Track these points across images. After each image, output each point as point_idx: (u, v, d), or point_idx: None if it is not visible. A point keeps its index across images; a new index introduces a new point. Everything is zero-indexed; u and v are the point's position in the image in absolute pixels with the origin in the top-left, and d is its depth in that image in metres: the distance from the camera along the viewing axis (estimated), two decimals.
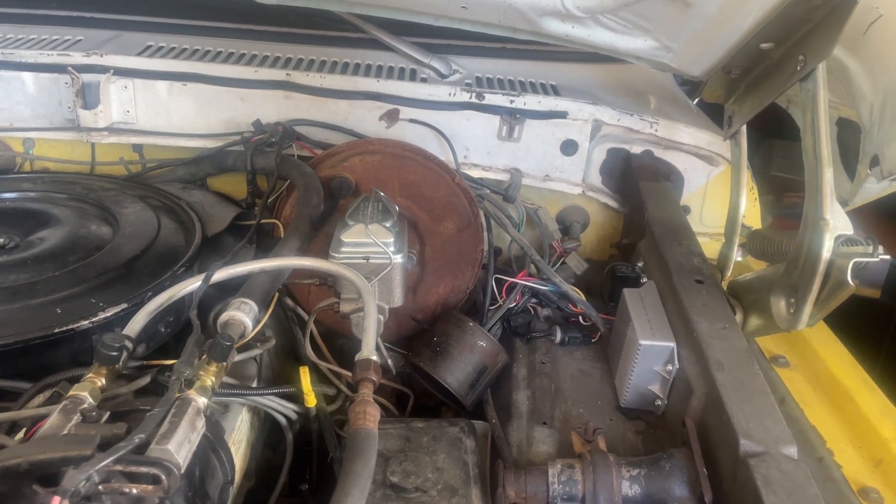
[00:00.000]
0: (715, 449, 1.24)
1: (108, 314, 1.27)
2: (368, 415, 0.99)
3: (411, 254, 1.63)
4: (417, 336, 1.71)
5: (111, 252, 1.44)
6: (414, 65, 1.97)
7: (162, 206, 1.68)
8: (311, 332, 1.61)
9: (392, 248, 1.36)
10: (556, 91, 1.98)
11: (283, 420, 1.47)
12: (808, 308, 1.26)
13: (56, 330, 1.22)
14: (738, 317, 1.52)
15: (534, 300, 1.78)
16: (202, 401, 0.98)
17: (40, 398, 1.14)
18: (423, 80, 1.92)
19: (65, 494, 0.76)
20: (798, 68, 1.28)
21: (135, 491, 0.82)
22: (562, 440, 1.44)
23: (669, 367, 1.44)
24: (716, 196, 2.02)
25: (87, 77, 1.78)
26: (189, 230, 1.60)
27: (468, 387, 1.60)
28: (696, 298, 1.50)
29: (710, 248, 1.79)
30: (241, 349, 1.43)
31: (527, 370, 1.65)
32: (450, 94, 1.86)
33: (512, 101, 1.87)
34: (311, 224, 1.47)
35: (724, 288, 1.59)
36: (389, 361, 1.59)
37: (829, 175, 1.22)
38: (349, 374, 1.56)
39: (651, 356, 1.45)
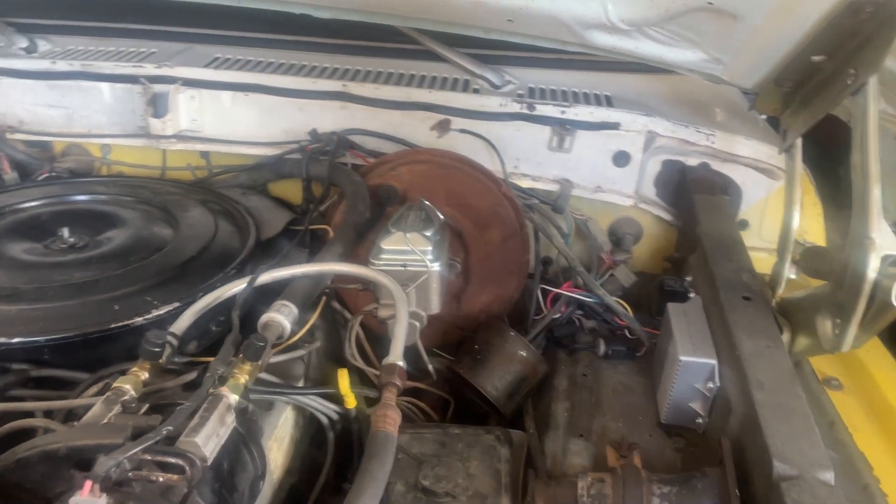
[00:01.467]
0: (750, 471, 1.21)
1: (161, 312, 1.35)
2: (389, 418, 1.02)
3: (454, 262, 1.65)
4: (461, 344, 1.73)
5: (169, 253, 1.53)
6: (467, 76, 2.00)
7: (221, 211, 1.76)
8: (358, 335, 1.66)
9: (430, 257, 1.39)
10: (609, 102, 1.97)
11: (324, 420, 1.52)
12: (852, 329, 1.22)
13: (112, 325, 1.30)
14: (786, 336, 1.47)
15: (580, 312, 1.78)
16: (233, 397, 1.03)
17: (95, 389, 1.23)
18: (476, 91, 1.94)
19: (96, 479, 0.82)
20: (849, 82, 1.24)
21: (161, 479, 0.87)
22: (597, 453, 1.43)
23: (710, 385, 1.41)
24: (777, 211, 1.94)
25: (157, 87, 1.90)
26: (244, 234, 1.67)
27: (507, 396, 1.62)
28: (742, 315, 1.46)
29: (768, 264, 1.74)
30: (288, 349, 1.50)
31: (568, 382, 1.64)
32: (500, 105, 1.88)
33: (563, 112, 1.88)
34: (356, 231, 1.51)
35: (774, 306, 1.54)
36: (430, 367, 1.62)
37: (876, 192, 1.17)
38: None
39: (692, 373, 1.42)
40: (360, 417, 1.53)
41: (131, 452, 0.85)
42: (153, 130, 1.90)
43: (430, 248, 1.39)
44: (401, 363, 1.12)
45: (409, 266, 1.38)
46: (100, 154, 2.06)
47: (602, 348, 1.67)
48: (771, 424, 1.19)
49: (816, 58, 1.31)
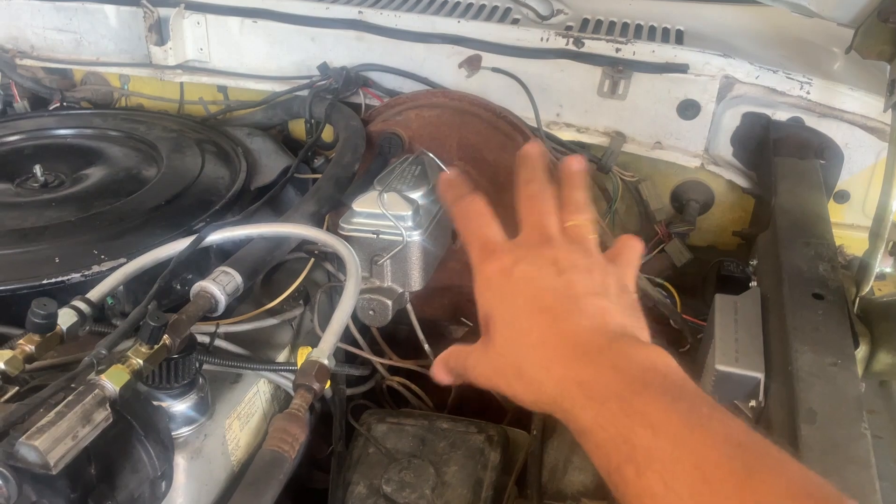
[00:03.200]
0: None
1: (104, 268, 1.19)
2: (286, 435, 0.81)
3: None
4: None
5: (137, 199, 1.36)
6: (509, 2, 1.70)
7: (216, 152, 1.57)
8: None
9: (409, 224, 1.15)
10: (679, 38, 1.62)
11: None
12: None
13: (45, 281, 1.15)
14: (864, 349, 1.14)
15: None
16: (111, 387, 0.85)
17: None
18: (514, 22, 1.64)
19: None
20: None
21: None
22: None
23: (753, 404, 1.12)
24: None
25: (162, 11, 1.71)
26: (234, 181, 1.49)
27: None
28: (808, 318, 1.14)
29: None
30: (271, 313, 1.33)
31: None
32: (542, 40, 1.57)
33: (618, 50, 1.55)
34: (338, 186, 1.29)
35: (855, 309, 1.21)
36: (427, 347, 1.40)
37: None
38: (379, 359, 1.42)
39: (730, 386, 1.13)
40: (335, 400, 1.35)
41: None
42: (155, 59, 1.73)
43: (408, 213, 1.15)
44: (325, 360, 0.90)
45: (383, 234, 1.15)
46: (119, 84, 1.93)
47: None
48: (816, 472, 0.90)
49: None
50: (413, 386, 1.42)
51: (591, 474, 1.19)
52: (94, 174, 1.47)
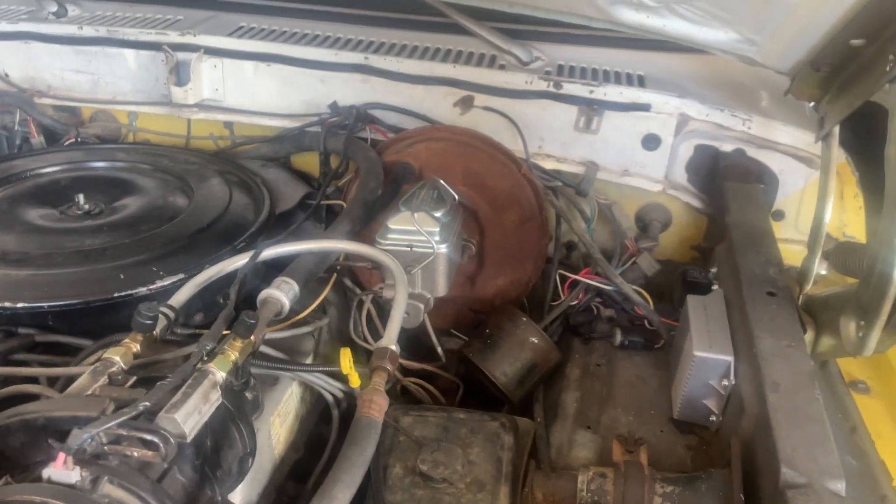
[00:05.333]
0: (759, 475, 1.16)
1: (166, 283, 1.34)
2: (374, 404, 0.99)
3: (469, 244, 1.61)
4: (473, 327, 1.70)
5: (180, 223, 1.52)
6: (494, 51, 1.94)
7: (238, 182, 1.75)
8: (371, 314, 1.64)
9: (437, 238, 1.35)
10: (641, 82, 1.89)
11: (329, 398, 1.51)
12: (875, 333, 1.15)
13: (115, 294, 1.30)
14: (810, 335, 1.40)
15: (598, 299, 1.72)
16: (220, 374, 1.01)
17: (96, 357, 1.23)
18: (501, 67, 1.88)
19: (69, 451, 0.81)
20: (888, 69, 1.15)
21: (136, 454, 0.86)
22: (604, 447, 1.39)
23: (725, 383, 1.35)
24: (815, 201, 1.86)
25: (181, 56, 1.88)
26: (259, 206, 1.66)
27: (516, 382, 1.58)
28: (764, 312, 1.40)
29: (803, 258, 1.66)
30: (296, 325, 1.49)
31: (580, 371, 1.60)
32: (526, 83, 1.82)
33: (591, 92, 1.80)
34: (366, 208, 1.48)
35: (800, 303, 1.47)
36: (440, 349, 1.59)
37: None
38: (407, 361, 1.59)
39: (706, 369, 1.36)
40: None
41: (106, 427, 0.84)
42: (175, 99, 1.90)
43: (437, 228, 1.35)
44: (393, 347, 1.09)
45: (416, 247, 1.35)
46: (127, 121, 2.07)
47: (618, 338, 1.62)
48: (783, 428, 1.13)
49: (855, 41, 1.22)
50: (428, 385, 1.60)
51: (592, 450, 1.40)
52: (133, 203, 1.62)
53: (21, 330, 1.30)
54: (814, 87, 1.44)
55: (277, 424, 1.42)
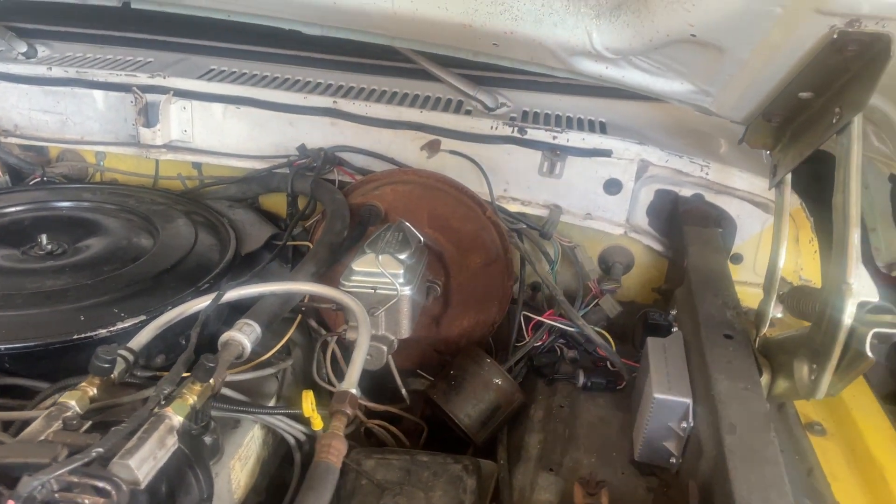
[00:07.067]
0: None
1: (127, 325, 1.33)
2: (333, 448, 1.00)
3: (434, 285, 1.63)
4: (439, 368, 1.71)
5: (144, 264, 1.52)
6: (461, 97, 1.98)
7: (204, 223, 1.75)
8: (335, 356, 1.64)
9: (401, 280, 1.37)
10: (603, 129, 1.94)
11: (291, 440, 1.50)
12: (827, 376, 1.18)
13: (75, 336, 1.29)
14: (766, 378, 1.43)
15: (562, 341, 1.74)
16: (177, 419, 1.01)
17: (52, 401, 1.21)
18: (467, 113, 1.92)
19: (18, 499, 0.80)
20: (834, 121, 1.21)
21: (87, 502, 0.85)
22: (566, 489, 1.39)
23: (684, 425, 1.37)
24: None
25: (150, 97, 1.90)
26: (225, 247, 1.66)
27: (480, 424, 1.58)
28: (722, 354, 1.42)
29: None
30: (258, 367, 1.48)
31: (544, 412, 1.61)
32: (492, 128, 1.86)
33: (555, 137, 1.85)
34: (332, 250, 1.50)
35: (756, 346, 1.50)
36: (404, 391, 1.60)
37: (855, 236, 1.14)
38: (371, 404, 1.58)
39: (666, 411, 1.38)
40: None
41: (57, 473, 0.84)
42: (143, 140, 1.91)
43: (401, 271, 1.37)
44: (353, 390, 1.09)
45: (379, 289, 1.36)
46: (94, 161, 2.07)
47: (581, 379, 1.63)
48: (739, 471, 1.15)
49: (804, 94, 1.28)
50: (392, 428, 1.59)
51: (555, 493, 1.40)
52: (97, 243, 1.61)
53: None
54: (767, 136, 1.50)
55: (238, 468, 1.41)
